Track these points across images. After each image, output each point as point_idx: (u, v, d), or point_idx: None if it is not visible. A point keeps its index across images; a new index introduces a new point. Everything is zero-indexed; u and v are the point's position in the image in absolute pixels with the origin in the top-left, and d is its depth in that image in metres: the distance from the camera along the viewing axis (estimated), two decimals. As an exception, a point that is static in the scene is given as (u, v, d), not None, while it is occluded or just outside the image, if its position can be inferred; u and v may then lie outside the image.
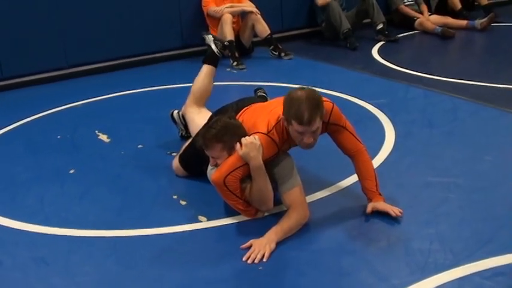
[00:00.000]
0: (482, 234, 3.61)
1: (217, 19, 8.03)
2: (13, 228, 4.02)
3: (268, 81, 6.59)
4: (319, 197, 4.16)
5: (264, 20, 8.14)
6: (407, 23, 9.38)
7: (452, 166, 4.55)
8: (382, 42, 8.66)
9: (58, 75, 7.65)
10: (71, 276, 3.45)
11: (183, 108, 5.16)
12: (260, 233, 3.62)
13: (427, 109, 5.88)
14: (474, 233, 3.63)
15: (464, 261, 3.34)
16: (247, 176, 3.75)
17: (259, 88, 5.37)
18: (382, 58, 7.87)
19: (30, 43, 7.39)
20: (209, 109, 4.98)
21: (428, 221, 3.80)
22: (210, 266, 3.46)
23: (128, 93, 6.93)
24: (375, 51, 8.23)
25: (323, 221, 3.84)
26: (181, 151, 4.69)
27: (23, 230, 3.98)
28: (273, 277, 3.34)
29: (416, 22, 9.29)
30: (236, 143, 3.72)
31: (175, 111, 5.30)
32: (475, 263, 3.31)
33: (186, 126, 5.18)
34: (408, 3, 9.56)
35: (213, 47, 5.25)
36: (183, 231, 3.85)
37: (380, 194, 3.89)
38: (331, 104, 3.79)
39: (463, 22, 9.29)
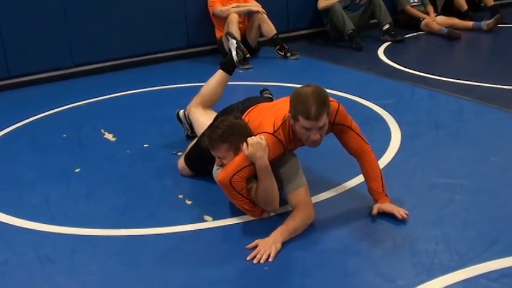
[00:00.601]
0: (488, 236, 3.60)
1: (224, 19, 8.02)
2: (19, 226, 4.03)
3: (274, 81, 6.59)
4: (325, 198, 4.16)
5: (270, 20, 8.13)
6: (414, 23, 9.36)
7: (458, 167, 4.54)
8: (388, 43, 8.64)
9: (64, 74, 7.66)
10: (76, 275, 3.45)
11: (187, 107, 5.14)
12: (265, 233, 3.61)
13: (433, 110, 5.87)
14: (480, 234, 3.62)
15: (470, 262, 3.33)
16: (253, 176, 3.75)
17: (265, 89, 5.36)
18: (388, 59, 7.85)
19: (36, 42, 7.39)
20: (214, 109, 4.98)
21: (434, 222, 3.79)
22: (215, 266, 3.46)
23: (133, 93, 6.93)
24: (380, 52, 8.22)
25: (329, 222, 3.84)
26: (186, 151, 4.69)
27: (29, 229, 3.99)
28: (278, 277, 3.34)
29: (423, 23, 9.27)
30: (242, 143, 3.71)
31: (181, 111, 5.29)
32: (481, 265, 3.30)
33: (191, 125, 5.16)
34: (414, 4, 9.54)
35: (234, 54, 5.10)
36: (188, 231, 3.85)
37: (386, 195, 3.88)
38: (337, 104, 3.78)
39: (469, 23, 9.27)
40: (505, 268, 3.27)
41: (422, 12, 9.47)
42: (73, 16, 7.57)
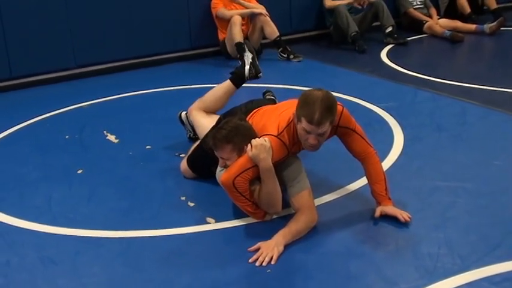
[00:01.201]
0: (491, 239, 3.60)
1: (226, 21, 8.02)
2: (21, 227, 4.03)
3: (276, 84, 6.58)
4: (328, 200, 4.15)
5: (273, 22, 8.13)
6: (416, 26, 9.37)
7: (460, 170, 4.54)
8: (390, 46, 8.64)
9: (66, 75, 7.66)
10: (78, 277, 3.45)
11: (189, 109, 5.14)
12: (268, 236, 3.62)
13: (435, 113, 5.86)
14: (482, 238, 3.62)
15: (472, 266, 3.33)
16: (256, 178, 3.75)
17: (268, 91, 5.35)
18: (391, 61, 7.85)
19: (39, 43, 7.39)
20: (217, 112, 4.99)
21: (437, 225, 3.79)
22: (218, 268, 3.46)
23: (136, 94, 6.93)
24: (383, 54, 8.22)
25: (331, 224, 3.84)
26: (189, 153, 4.69)
27: (31, 230, 3.99)
28: (281, 280, 3.34)
29: (425, 26, 9.27)
30: (246, 145, 3.71)
31: (183, 113, 5.29)
32: (483, 268, 3.30)
33: (193, 127, 5.16)
34: (417, 6, 9.55)
35: (246, 69, 5.01)
36: (191, 233, 3.85)
37: (389, 198, 3.88)
38: (341, 107, 3.78)
39: (472, 26, 9.27)
40: (507, 272, 3.27)
41: (425, 15, 9.47)
42: (76, 17, 7.57)
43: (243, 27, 8.08)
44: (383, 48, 8.51)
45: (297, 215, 3.73)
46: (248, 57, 5.07)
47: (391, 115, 5.69)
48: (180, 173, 4.66)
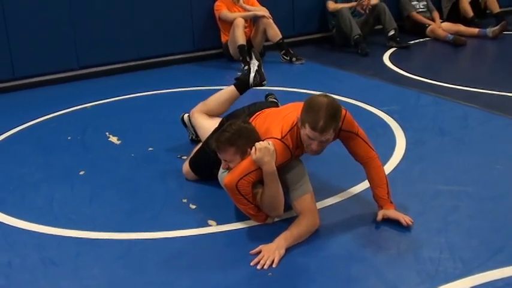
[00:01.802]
0: (493, 244, 3.59)
1: (229, 23, 8.03)
2: (22, 228, 4.03)
3: (278, 86, 6.58)
4: (330, 204, 4.15)
5: (275, 24, 8.13)
6: (419, 29, 9.37)
7: (462, 174, 4.54)
8: (393, 49, 8.64)
9: (69, 77, 7.67)
10: (79, 279, 3.44)
11: (191, 112, 5.14)
12: (269, 239, 3.61)
13: (438, 117, 5.86)
14: (484, 242, 3.61)
15: (474, 270, 3.32)
16: (259, 181, 3.74)
17: (270, 94, 5.35)
18: (393, 65, 7.85)
19: (42, 44, 7.40)
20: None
21: (439, 229, 3.78)
22: (219, 271, 3.46)
23: (138, 96, 6.94)
24: (386, 58, 8.22)
25: (333, 228, 3.83)
26: (191, 155, 4.69)
27: (32, 231, 3.99)
28: (282, 283, 3.33)
29: (428, 29, 9.27)
30: (249, 147, 3.71)
31: (186, 115, 5.29)
32: (485, 273, 3.30)
33: (196, 130, 5.15)
34: (420, 10, 9.55)
35: (251, 77, 5.03)
36: (192, 235, 3.85)
37: (391, 202, 3.88)
38: (344, 111, 3.77)
39: (475, 30, 9.27)
40: (509, 277, 3.26)
41: (428, 18, 9.47)
42: (79, 18, 7.57)
43: (246, 30, 8.09)
44: (385, 52, 8.51)
45: (299, 218, 3.73)
46: (254, 64, 5.08)
47: (393, 119, 5.69)
48: (182, 175, 4.66)
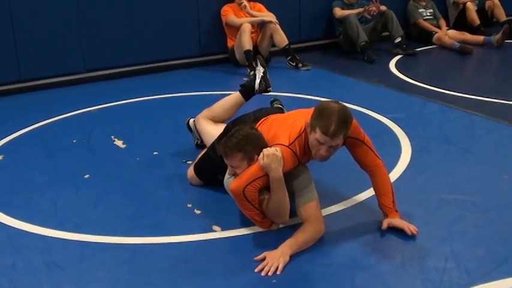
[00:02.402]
0: (498, 254, 3.58)
1: (236, 28, 8.04)
2: (27, 231, 4.02)
3: (284, 92, 6.58)
4: (335, 211, 4.14)
5: (282, 30, 8.14)
6: (426, 37, 9.38)
7: (468, 184, 4.53)
8: (399, 56, 8.65)
9: (75, 79, 7.67)
10: (84, 283, 3.44)
11: (196, 118, 5.15)
12: (274, 245, 3.60)
13: (444, 125, 5.85)
14: (490, 253, 3.60)
15: (479, 280, 3.31)
16: (265, 188, 3.74)
17: (276, 99, 5.34)
18: (400, 72, 7.85)
19: (49, 47, 7.41)
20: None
21: (444, 238, 3.77)
22: (223, 277, 3.45)
23: (144, 100, 6.94)
24: (392, 65, 8.22)
25: (338, 235, 3.83)
26: (196, 160, 4.69)
27: (37, 234, 3.99)
28: (286, 290, 3.33)
29: (435, 37, 9.28)
30: (257, 154, 3.71)
31: (191, 120, 5.29)
32: (490, 283, 3.29)
33: (201, 135, 5.16)
34: (427, 17, 9.55)
35: (257, 83, 5.04)
36: (196, 241, 3.84)
37: (396, 211, 3.87)
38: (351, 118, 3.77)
39: (480, 38, 9.27)
40: (514, 287, 3.26)
41: (435, 26, 9.47)
42: (86, 21, 7.59)
43: (253, 35, 8.10)
44: (392, 59, 8.52)
45: (304, 225, 3.72)
46: (260, 71, 5.09)
47: (399, 126, 5.68)
48: (187, 179, 4.65)
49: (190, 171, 4.63)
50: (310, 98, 6.52)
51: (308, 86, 7.35)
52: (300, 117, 3.80)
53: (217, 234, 3.91)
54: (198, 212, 4.21)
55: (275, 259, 3.49)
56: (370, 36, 8.72)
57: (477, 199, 4.27)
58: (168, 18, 8.11)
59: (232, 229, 3.94)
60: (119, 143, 5.54)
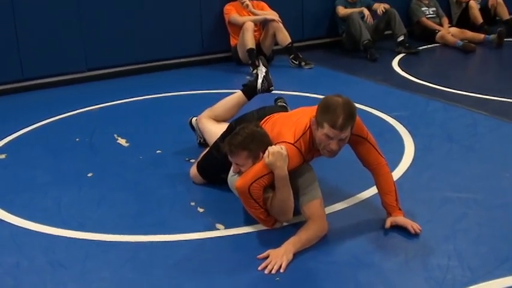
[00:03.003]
0: (501, 252, 3.58)
1: (239, 27, 8.04)
2: (31, 230, 4.03)
3: (287, 90, 6.58)
4: (338, 209, 4.15)
5: (285, 28, 8.14)
6: (428, 35, 9.37)
7: (471, 182, 4.53)
8: (402, 54, 8.65)
9: (77, 78, 7.69)
10: (87, 282, 3.44)
11: (198, 117, 5.16)
12: (277, 243, 3.61)
13: (446, 123, 5.85)
14: (493, 250, 3.60)
15: (482, 278, 3.31)
16: (268, 186, 3.74)
17: (280, 98, 5.34)
18: (402, 70, 7.85)
19: (51, 45, 7.42)
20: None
21: (447, 236, 3.77)
22: (226, 275, 3.45)
23: (147, 98, 6.94)
24: (395, 63, 8.22)
25: (341, 233, 3.83)
26: (199, 158, 4.69)
27: (40, 233, 3.99)
28: (290, 288, 3.33)
29: (438, 35, 9.27)
30: (262, 152, 3.72)
31: (194, 118, 5.29)
32: (493, 281, 3.29)
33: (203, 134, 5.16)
34: (430, 16, 9.54)
35: (259, 83, 5.08)
36: (200, 239, 3.84)
37: (400, 209, 3.87)
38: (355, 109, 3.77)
39: (481, 36, 9.25)
40: (518, 285, 3.26)
41: (438, 24, 9.46)
42: (88, 20, 7.59)
43: (256, 34, 8.10)
44: (395, 57, 8.52)
45: (307, 223, 3.73)
46: (262, 70, 5.13)
47: (402, 124, 5.68)
48: (190, 178, 4.66)
49: (193, 170, 4.64)
50: (313, 97, 6.51)
51: (311, 84, 7.36)
52: (304, 115, 3.81)
53: (221, 232, 3.91)
54: (201, 210, 4.21)
55: (278, 257, 3.49)
56: (373, 34, 8.71)
57: (480, 197, 4.27)
58: (171, 16, 8.11)
59: (236, 227, 3.95)
60: (122, 141, 5.54)
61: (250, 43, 7.84)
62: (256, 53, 7.86)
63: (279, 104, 5.20)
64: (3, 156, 5.31)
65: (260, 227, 3.90)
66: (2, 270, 3.57)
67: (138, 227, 4.03)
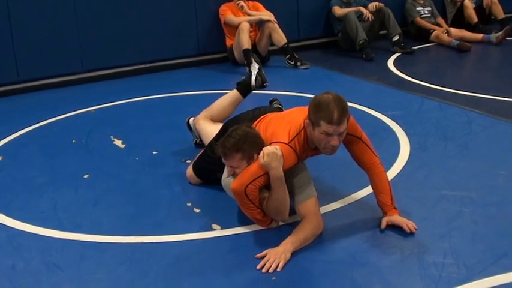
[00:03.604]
0: (496, 249, 3.59)
1: (235, 27, 8.05)
2: (27, 231, 4.03)
3: (283, 91, 6.60)
4: (333, 208, 4.15)
5: (281, 29, 8.15)
6: (424, 35, 9.39)
7: (466, 180, 4.54)
8: (398, 54, 8.66)
9: (74, 80, 7.69)
10: (83, 283, 3.44)
11: (196, 118, 5.17)
12: (274, 243, 3.61)
13: (442, 122, 5.85)
14: (488, 248, 3.61)
15: (478, 276, 3.32)
16: (264, 186, 3.74)
17: (275, 99, 5.36)
18: (398, 70, 7.86)
19: (47, 47, 7.42)
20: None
21: (442, 234, 3.78)
22: (223, 275, 3.45)
23: (143, 99, 6.95)
24: (390, 63, 8.23)
25: (337, 233, 3.83)
26: (195, 159, 4.69)
27: (36, 234, 3.99)
28: (286, 288, 3.34)
29: (433, 34, 9.28)
30: (256, 152, 3.72)
31: (191, 119, 5.30)
32: (489, 278, 3.29)
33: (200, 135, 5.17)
34: (425, 15, 9.56)
35: (253, 79, 5.10)
36: (196, 240, 3.85)
37: (395, 208, 3.87)
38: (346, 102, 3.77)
39: (479, 36, 9.28)
40: (513, 282, 3.27)
41: (433, 24, 9.47)
42: (84, 21, 7.60)
43: (251, 34, 8.11)
44: (390, 57, 8.53)
45: (303, 222, 3.73)
46: (255, 67, 5.15)
47: (397, 124, 5.69)
48: (186, 179, 4.66)
49: (189, 171, 4.64)
50: (309, 97, 6.47)
51: (307, 84, 7.37)
52: (298, 115, 3.81)
53: (217, 232, 3.92)
54: (197, 210, 4.22)
55: (277, 256, 3.50)
56: (369, 34, 8.72)
57: (475, 195, 4.28)
58: (167, 17, 8.12)
59: (232, 227, 3.95)
60: (118, 142, 5.55)
61: (246, 44, 7.84)
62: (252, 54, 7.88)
63: (275, 105, 5.21)
64: (-1, 158, 5.33)
65: (256, 227, 3.91)
66: (-2, 272, 3.58)
67: (134, 228, 4.03)
